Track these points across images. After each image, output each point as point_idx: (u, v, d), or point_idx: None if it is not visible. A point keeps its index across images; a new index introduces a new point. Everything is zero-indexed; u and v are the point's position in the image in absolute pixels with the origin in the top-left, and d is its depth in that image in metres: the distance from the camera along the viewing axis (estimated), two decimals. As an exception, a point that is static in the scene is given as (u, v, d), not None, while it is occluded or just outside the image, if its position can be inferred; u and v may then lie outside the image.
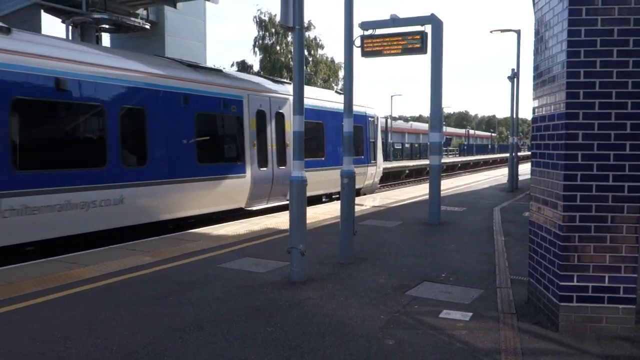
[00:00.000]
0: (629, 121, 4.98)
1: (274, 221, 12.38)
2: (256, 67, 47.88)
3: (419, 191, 20.70)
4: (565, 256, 5.14)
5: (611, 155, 5.02)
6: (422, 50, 12.12)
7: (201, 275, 7.41)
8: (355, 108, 18.00)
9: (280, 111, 15.39)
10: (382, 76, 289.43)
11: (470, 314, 5.78)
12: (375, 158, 20.64)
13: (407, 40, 12.27)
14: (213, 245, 9.46)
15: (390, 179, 36.14)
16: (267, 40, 47.94)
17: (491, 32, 23.46)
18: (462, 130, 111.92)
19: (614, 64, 4.97)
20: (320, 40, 49.41)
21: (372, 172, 20.35)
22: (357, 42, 12.23)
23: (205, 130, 13.05)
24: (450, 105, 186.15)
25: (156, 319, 5.55)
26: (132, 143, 11.28)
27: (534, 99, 6.07)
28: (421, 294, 6.58)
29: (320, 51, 49.33)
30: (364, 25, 12.60)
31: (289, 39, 44.36)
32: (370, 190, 20.92)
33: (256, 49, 48.25)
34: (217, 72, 14.20)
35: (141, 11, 20.64)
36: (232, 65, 48.01)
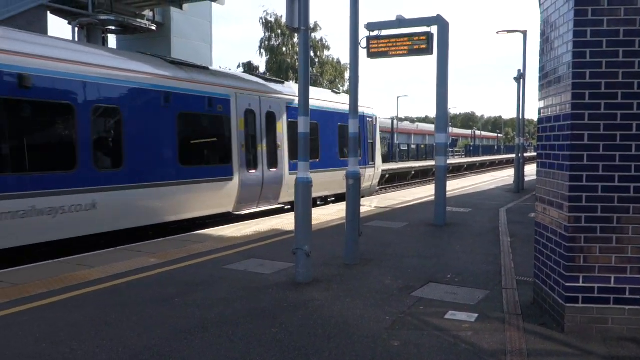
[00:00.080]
0: (635, 122, 4.96)
1: (280, 222, 12.38)
2: (262, 69, 47.90)
3: (425, 192, 20.68)
4: (571, 257, 5.12)
5: (617, 156, 5.00)
6: (428, 51, 12.11)
7: (207, 276, 7.43)
8: None
9: (271, 111, 14.80)
10: (389, 77, 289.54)
11: (476, 315, 5.77)
12: (373, 159, 20.25)
13: (413, 41, 12.26)
14: (218, 247, 9.47)
15: (396, 180, 36.14)
16: (273, 42, 47.95)
17: (497, 33, 23.44)
18: (469, 131, 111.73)
19: (620, 65, 4.95)
20: (326, 41, 49.40)
21: (370, 174, 20.07)
22: (363, 43, 12.24)
23: (188, 130, 12.46)
24: (456, 106, 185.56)
25: (162, 320, 5.56)
26: (105, 144, 10.73)
27: (539, 99, 6.05)
28: (427, 295, 6.57)
29: (326, 52, 49.32)
30: (370, 27, 12.60)
31: (295, 40, 44.33)
32: (369, 192, 20.63)
33: (262, 50, 48.25)
34: (203, 69, 13.56)
35: (147, 12, 20.72)
36: (239, 66, 48.09)
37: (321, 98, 17.37)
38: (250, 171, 13.86)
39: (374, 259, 8.50)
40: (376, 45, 12.53)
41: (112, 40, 20.12)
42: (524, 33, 21.81)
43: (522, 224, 12.28)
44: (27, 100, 9.17)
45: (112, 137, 10.81)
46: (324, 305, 6.11)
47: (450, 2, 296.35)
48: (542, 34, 5.95)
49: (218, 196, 12.91)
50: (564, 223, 5.17)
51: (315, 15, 67.56)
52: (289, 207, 15.21)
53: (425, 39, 12.10)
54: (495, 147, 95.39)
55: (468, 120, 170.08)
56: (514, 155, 24.77)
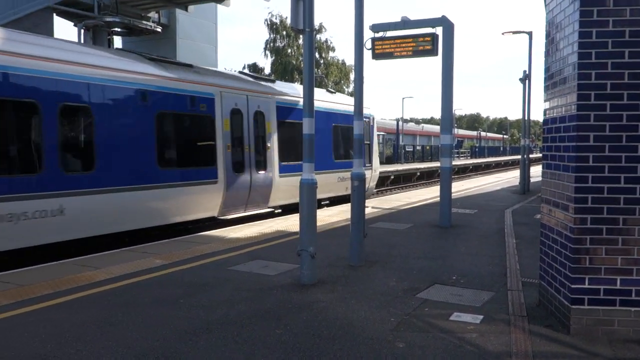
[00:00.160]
0: (641, 123, 4.94)
1: (285, 224, 12.38)
2: (267, 70, 48.00)
3: (430, 193, 20.65)
4: (576, 259, 5.10)
5: (623, 157, 4.98)
6: (433, 52, 12.10)
7: (211, 277, 7.43)
8: (349, 108, 17.77)
9: (260, 110, 14.16)
10: (394, 78, 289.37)
11: (481, 316, 5.75)
12: (370, 161, 19.50)
13: (418, 42, 12.25)
14: (224, 248, 9.48)
15: (402, 181, 36.10)
16: (278, 43, 48.03)
17: (503, 34, 23.36)
18: (474, 132, 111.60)
19: (626, 65, 4.93)
20: (331, 42, 49.46)
21: (367, 177, 19.72)
22: (368, 44, 12.24)
23: (168, 131, 11.85)
24: (462, 107, 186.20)
25: (166, 322, 5.57)
26: (75, 146, 10.10)
27: (545, 100, 6.04)
28: (432, 296, 6.56)
29: (331, 53, 49.35)
30: (375, 28, 12.59)
31: (300, 41, 44.38)
32: (367, 195, 20.38)
33: (267, 52, 48.31)
34: (187, 67, 12.92)
35: (153, 14, 20.74)
36: (244, 67, 48.14)
37: (315, 97, 16.85)
38: (237, 174, 13.29)
39: (378, 261, 8.49)
40: (381, 47, 12.52)
41: (117, 42, 20.18)
42: (530, 34, 21.76)
43: (527, 226, 12.24)
44: None
45: (83, 138, 10.18)
46: (329, 306, 6.11)
47: (455, 3, 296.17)
48: (548, 34, 5.94)
49: (201, 200, 12.34)
50: (570, 224, 5.15)
51: (320, 16, 67.71)
52: (280, 210, 14.87)
53: (430, 40, 12.09)
54: (501, 149, 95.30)
55: (473, 121, 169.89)
56: (519, 157, 24.70)
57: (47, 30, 16.29)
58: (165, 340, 5.04)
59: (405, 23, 12.39)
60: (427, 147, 61.32)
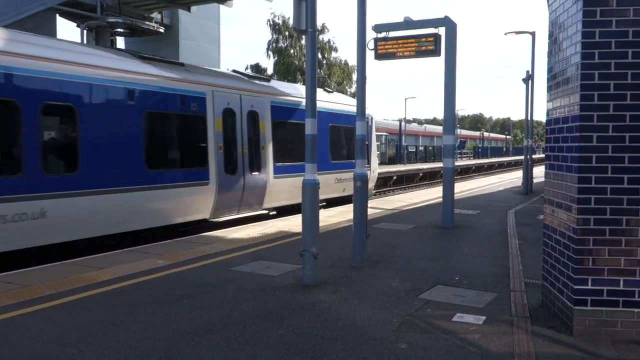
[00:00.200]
0: (644, 123, 4.93)
1: (287, 224, 12.38)
2: (270, 70, 48.02)
3: (432, 194, 20.63)
4: (579, 259, 5.09)
5: (626, 158, 4.97)
6: (435, 52, 12.08)
7: (214, 278, 7.43)
8: (346, 107, 17.72)
9: (254, 110, 13.84)
10: (396, 79, 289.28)
11: (484, 317, 5.74)
12: (369, 162, 18.73)
13: (420, 42, 12.23)
14: (226, 249, 9.48)
15: (404, 181, 36.09)
16: (280, 44, 48.02)
17: (506, 34, 23.42)
18: (477, 133, 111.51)
19: (629, 66, 4.92)
20: (334, 43, 49.55)
21: None
22: (371, 44, 12.22)
23: (157, 131, 11.54)
24: (464, 108, 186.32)
25: (169, 322, 5.57)
26: (57, 146, 9.80)
27: (548, 101, 6.03)
28: (434, 297, 6.55)
29: (334, 54, 49.33)
30: (377, 28, 12.58)
31: (303, 42, 44.38)
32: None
33: (270, 52, 48.30)
34: (178, 65, 12.64)
35: (155, 15, 20.78)
36: (246, 68, 48.13)
37: None
38: (230, 175, 12.97)
39: (381, 261, 8.49)
40: (383, 47, 12.51)
41: (120, 43, 20.20)
42: (533, 34, 21.74)
43: (530, 226, 12.23)
44: None
45: (66, 138, 9.92)
46: (331, 307, 6.11)
47: (458, 4, 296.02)
48: (550, 35, 5.92)
49: (192, 202, 12.01)
50: (573, 225, 5.14)
51: (322, 17, 67.94)
52: (275, 212, 14.67)
53: (432, 40, 12.07)
54: (504, 149, 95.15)
55: (476, 121, 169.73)
56: (522, 157, 24.67)
57: (50, 31, 16.34)
58: (167, 341, 5.04)
59: (408, 23, 12.38)
60: (430, 148, 61.23)
